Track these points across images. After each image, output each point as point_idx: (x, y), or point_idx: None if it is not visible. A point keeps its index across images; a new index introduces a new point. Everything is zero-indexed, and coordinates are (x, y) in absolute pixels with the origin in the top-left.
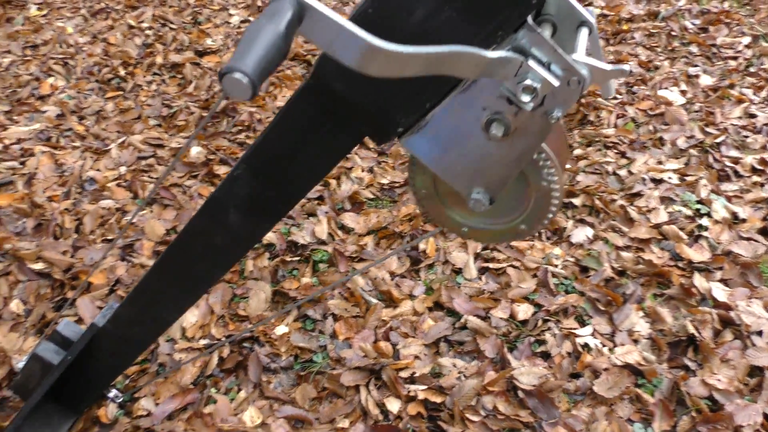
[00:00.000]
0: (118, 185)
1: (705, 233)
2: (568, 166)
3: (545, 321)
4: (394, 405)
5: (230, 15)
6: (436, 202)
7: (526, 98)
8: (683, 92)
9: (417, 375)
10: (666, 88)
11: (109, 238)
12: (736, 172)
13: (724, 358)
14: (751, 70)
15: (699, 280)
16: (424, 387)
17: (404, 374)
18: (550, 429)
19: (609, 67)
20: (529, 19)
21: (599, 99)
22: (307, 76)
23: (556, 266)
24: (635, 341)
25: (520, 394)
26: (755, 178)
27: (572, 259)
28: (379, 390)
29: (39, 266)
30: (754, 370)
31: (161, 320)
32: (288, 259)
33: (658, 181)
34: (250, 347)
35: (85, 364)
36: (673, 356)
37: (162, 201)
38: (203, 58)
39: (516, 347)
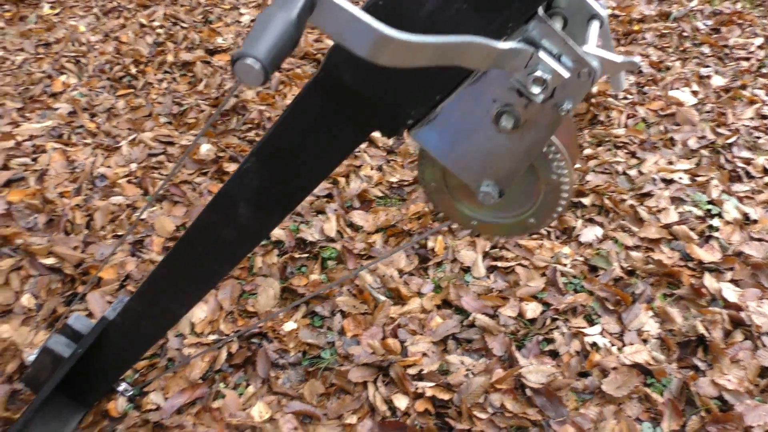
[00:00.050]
0: (129, 182)
1: (716, 234)
2: (577, 165)
3: (554, 320)
4: (401, 401)
5: (240, 14)
6: (445, 195)
7: (536, 90)
8: (695, 93)
9: (425, 372)
10: (677, 89)
11: (120, 234)
12: (747, 173)
13: (734, 359)
14: (764, 71)
15: (709, 281)
16: (432, 384)
17: (412, 371)
18: (558, 427)
19: (620, 58)
20: (540, 10)
21: (610, 99)
22: (317, 69)
23: (565, 265)
24: (644, 341)
25: (528, 392)
26: (767, 179)
27: (581, 259)
28: (386, 386)
29: (50, 261)
30: (765, 371)
31: (171, 314)
32: (297, 256)
33: (668, 182)
34: (259, 343)
35: (95, 358)
36: (682, 356)
37: (172, 198)
38: (214, 56)
39: (524, 345)
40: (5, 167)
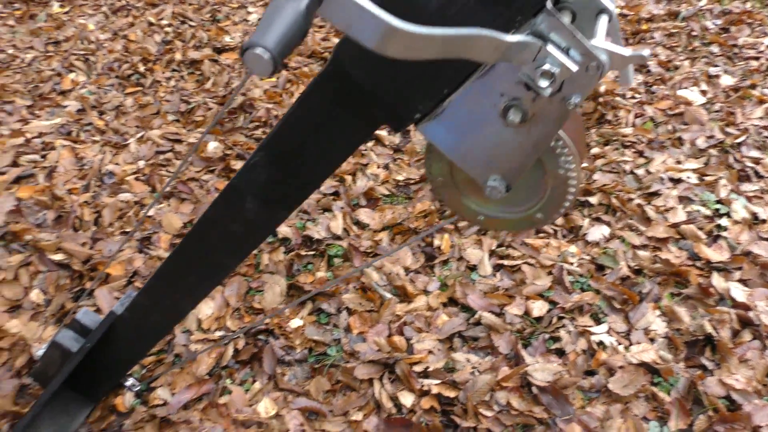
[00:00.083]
0: (137, 179)
1: (724, 233)
2: (584, 165)
3: (560, 318)
4: (407, 399)
5: (248, 13)
6: (452, 190)
7: (544, 83)
8: (703, 92)
9: (431, 369)
10: (686, 88)
11: (127, 230)
12: (756, 173)
13: (742, 358)
14: None
15: (717, 280)
16: (438, 381)
17: (418, 368)
18: (564, 425)
19: (628, 52)
20: (549, 3)
21: (617, 98)
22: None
23: (571, 264)
24: (651, 340)
25: (534, 390)
26: None
27: (588, 258)
28: (392, 384)
29: (59, 257)
30: None
31: (178, 308)
32: (303, 253)
33: (676, 181)
34: (265, 340)
35: (103, 353)
36: (690, 355)
37: (179, 195)
38: (221, 55)
39: (530, 344)
40: (15, 164)
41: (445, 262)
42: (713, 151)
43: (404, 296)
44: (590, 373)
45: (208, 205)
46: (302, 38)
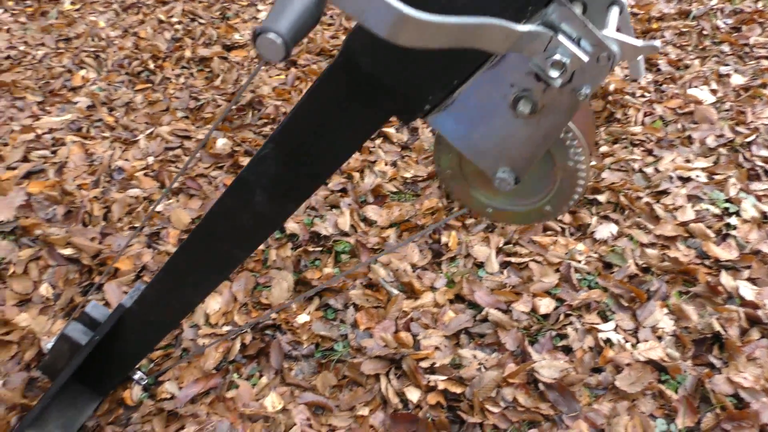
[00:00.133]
0: (146, 175)
1: (733, 232)
2: (593, 162)
3: (567, 315)
4: (413, 394)
5: (258, 11)
6: (461, 182)
7: (554, 74)
8: (713, 91)
9: (437, 365)
10: (696, 87)
11: (136, 225)
12: (766, 172)
13: (750, 357)
14: None
15: (726, 279)
16: (444, 377)
17: (424, 364)
18: (570, 422)
19: (640, 42)
20: None
21: (627, 97)
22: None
23: (579, 262)
24: (659, 338)
25: (541, 386)
26: None
27: (596, 255)
28: (399, 379)
29: (68, 252)
30: None
31: (186, 301)
32: (311, 249)
33: (685, 179)
34: (272, 335)
35: (112, 346)
36: (697, 353)
37: (188, 191)
38: (231, 52)
39: (537, 341)
40: (25, 159)
41: (452, 259)
42: (723, 150)
43: (411, 293)
44: (597, 370)
45: (218, 197)
46: (314, 25)
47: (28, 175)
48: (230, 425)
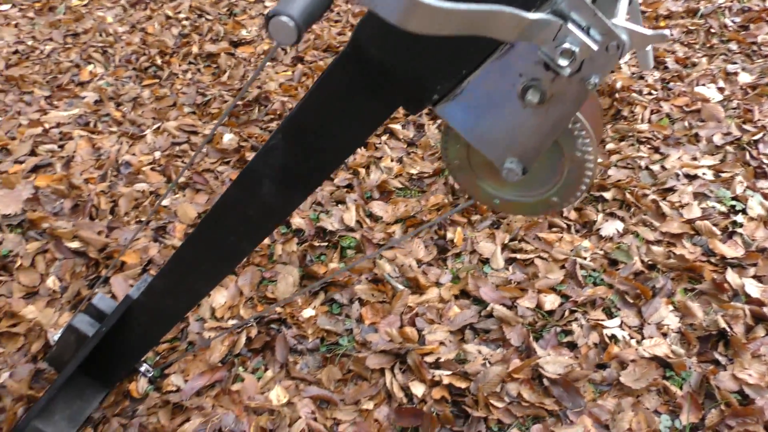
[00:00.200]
0: (153, 169)
1: (739, 230)
2: (600, 160)
3: (572, 312)
4: (418, 389)
5: (265, 7)
6: (468, 173)
7: (563, 62)
8: (721, 89)
9: (442, 360)
10: (703, 85)
11: (143, 219)
12: None
13: (755, 354)
14: None
15: (732, 276)
16: (449, 372)
17: (429, 359)
18: (575, 418)
19: (649, 31)
20: None
21: (633, 94)
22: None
23: (584, 258)
24: (664, 334)
25: (545, 382)
26: None
27: (601, 252)
28: (403, 374)
29: (75, 245)
30: None
31: (193, 292)
32: (316, 244)
33: (692, 177)
34: (278, 329)
35: (119, 337)
36: (702, 350)
37: (194, 185)
38: (238, 48)
39: (542, 337)
40: (33, 153)
41: (457, 255)
42: (730, 148)
43: (416, 288)
44: (602, 366)
45: (226, 188)
46: (326, 10)
47: (36, 169)
48: (235, 418)
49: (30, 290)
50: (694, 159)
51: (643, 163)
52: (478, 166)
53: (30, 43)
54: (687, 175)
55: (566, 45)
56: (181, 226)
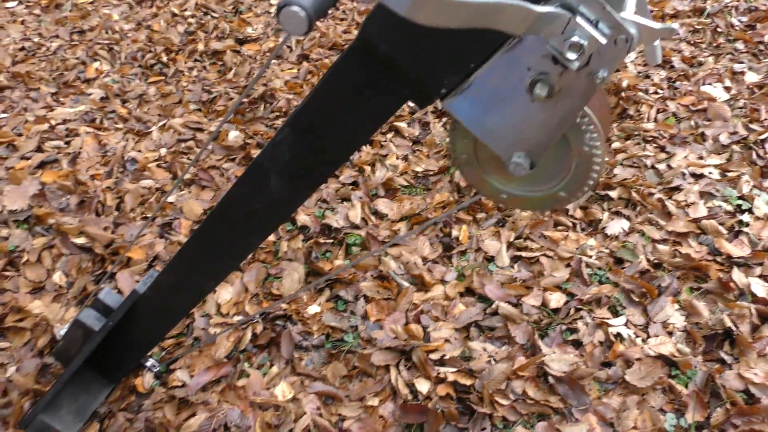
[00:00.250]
0: (158, 166)
1: (746, 229)
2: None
3: (577, 310)
4: (423, 386)
5: (270, 5)
6: (475, 168)
7: (572, 56)
8: (727, 89)
9: (447, 357)
10: (709, 84)
11: (149, 216)
12: None
13: (761, 353)
14: None
15: (738, 275)
16: (454, 369)
17: (434, 356)
18: (580, 415)
19: (658, 25)
20: None
21: (639, 93)
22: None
23: (590, 257)
24: (670, 333)
25: (551, 380)
26: None
27: (607, 251)
28: (408, 370)
29: (81, 241)
30: None
31: (200, 287)
32: (322, 241)
33: (698, 176)
34: (283, 325)
35: (125, 332)
36: (708, 349)
37: (200, 182)
38: (243, 46)
39: (547, 334)
40: (39, 149)
41: (462, 253)
42: (736, 148)
43: (421, 285)
44: (607, 364)
45: (234, 182)
46: (335, 3)
47: (42, 165)
48: (241, 413)
49: (36, 285)
50: (701, 158)
51: (649, 162)
52: (486, 161)
53: (36, 40)
54: (693, 174)
55: (575, 38)
56: (187, 223)
